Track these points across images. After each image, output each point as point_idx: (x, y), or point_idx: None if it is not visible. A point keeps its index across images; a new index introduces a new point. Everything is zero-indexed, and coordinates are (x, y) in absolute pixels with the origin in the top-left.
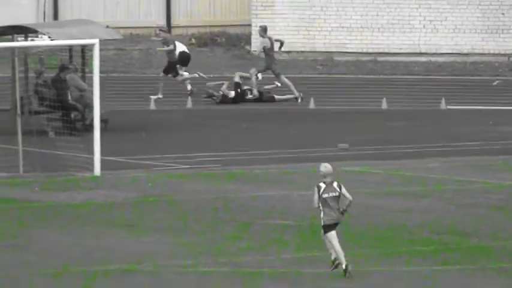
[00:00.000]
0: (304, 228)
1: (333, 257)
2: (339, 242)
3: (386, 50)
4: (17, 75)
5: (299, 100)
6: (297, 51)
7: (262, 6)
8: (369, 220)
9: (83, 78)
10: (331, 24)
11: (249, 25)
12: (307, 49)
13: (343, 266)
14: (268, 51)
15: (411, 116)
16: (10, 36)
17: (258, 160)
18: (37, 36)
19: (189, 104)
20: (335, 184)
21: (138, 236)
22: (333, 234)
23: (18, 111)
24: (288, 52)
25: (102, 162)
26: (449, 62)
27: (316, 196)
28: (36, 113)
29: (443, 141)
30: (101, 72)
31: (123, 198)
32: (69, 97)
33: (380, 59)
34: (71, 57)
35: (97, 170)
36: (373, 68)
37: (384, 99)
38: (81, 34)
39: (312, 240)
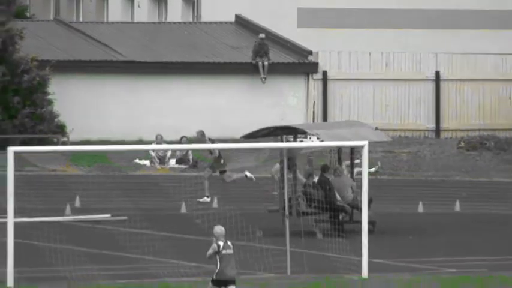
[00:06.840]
0: None
1: None
2: None
3: None
4: (285, 176)
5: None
6: None
7: None
8: None
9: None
10: None
11: None
12: None
13: None
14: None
15: None
16: (279, 137)
17: None
18: (306, 137)
19: (458, 207)
20: (229, 243)
21: None
22: None
23: (287, 212)
24: None
25: (370, 264)
26: None
27: (211, 251)
28: (304, 214)
29: None
30: (369, 174)
31: None
32: (337, 198)
33: None
34: (339, 158)
35: (365, 272)
36: None
37: None
38: (350, 135)
39: None
